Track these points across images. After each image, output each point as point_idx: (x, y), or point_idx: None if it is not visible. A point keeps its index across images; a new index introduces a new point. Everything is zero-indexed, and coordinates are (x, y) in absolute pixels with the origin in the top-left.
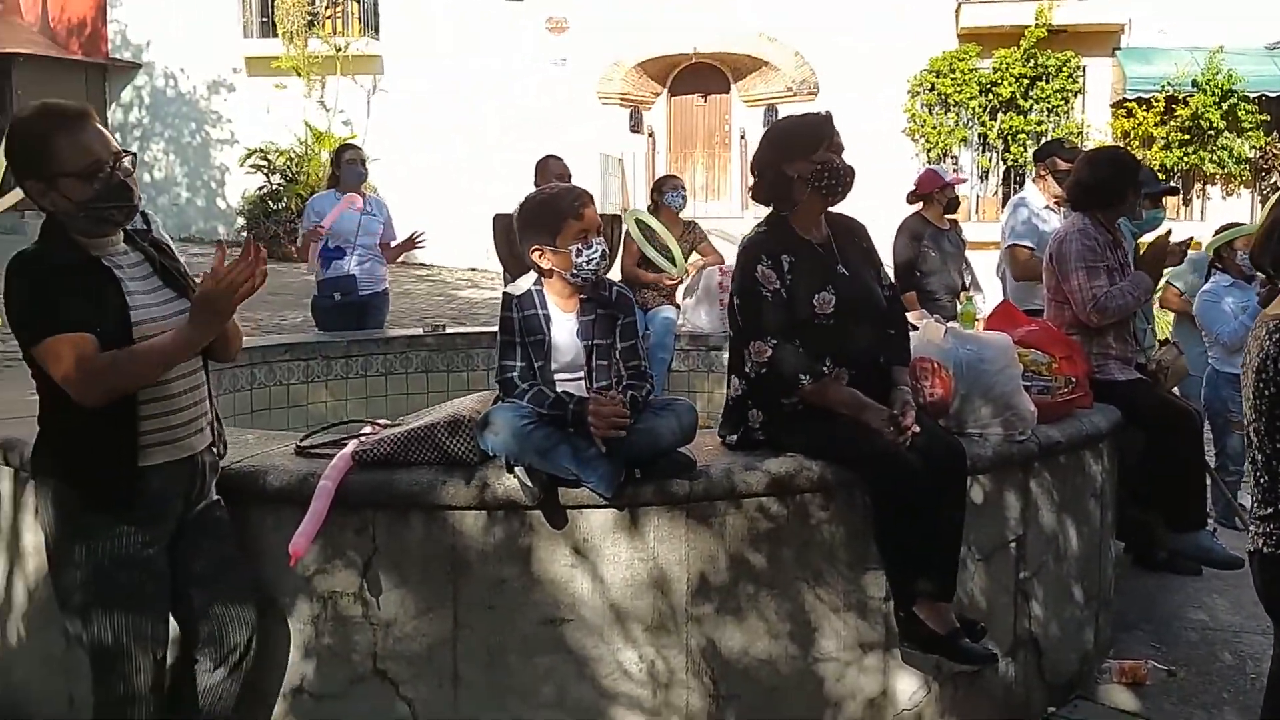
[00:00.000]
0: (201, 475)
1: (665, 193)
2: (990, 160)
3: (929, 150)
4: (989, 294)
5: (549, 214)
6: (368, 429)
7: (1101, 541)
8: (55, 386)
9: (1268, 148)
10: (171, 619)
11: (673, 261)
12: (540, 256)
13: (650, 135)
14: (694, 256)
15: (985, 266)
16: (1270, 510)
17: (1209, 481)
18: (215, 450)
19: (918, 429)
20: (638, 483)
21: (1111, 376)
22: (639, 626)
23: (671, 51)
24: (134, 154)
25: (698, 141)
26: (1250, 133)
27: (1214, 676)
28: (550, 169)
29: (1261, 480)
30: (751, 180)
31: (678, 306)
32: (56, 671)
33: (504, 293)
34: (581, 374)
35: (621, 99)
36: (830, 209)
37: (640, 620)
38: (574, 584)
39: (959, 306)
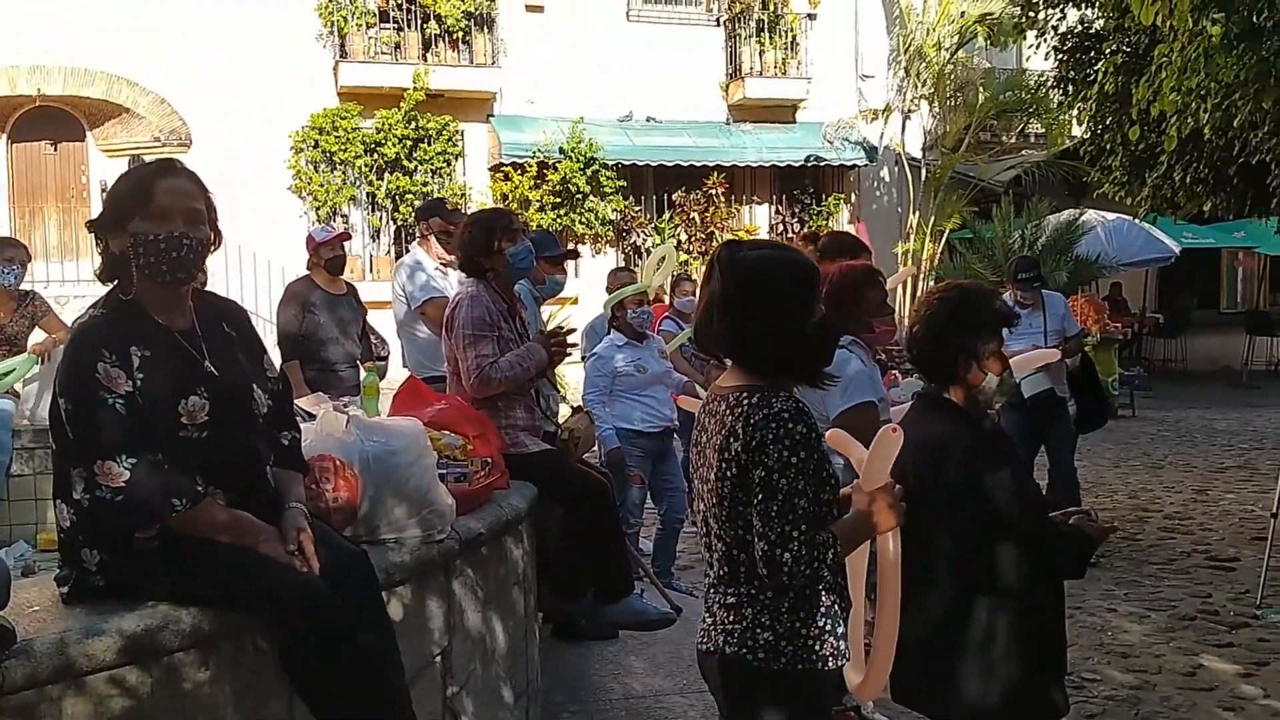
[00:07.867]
0: None
1: None
2: (381, 220)
3: (318, 208)
4: (396, 355)
5: None
6: None
7: (527, 630)
8: None
9: (626, 210)
10: None
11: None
12: None
13: None
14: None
15: (385, 325)
16: (732, 600)
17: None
18: None
19: (315, 561)
20: None
21: (524, 449)
22: None
23: (10, 92)
24: None
25: (49, 195)
26: (611, 197)
27: None
28: None
29: (721, 572)
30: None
31: (18, 396)
32: None
33: None
34: None
35: None
36: (198, 288)
37: None
38: None
39: (362, 376)
